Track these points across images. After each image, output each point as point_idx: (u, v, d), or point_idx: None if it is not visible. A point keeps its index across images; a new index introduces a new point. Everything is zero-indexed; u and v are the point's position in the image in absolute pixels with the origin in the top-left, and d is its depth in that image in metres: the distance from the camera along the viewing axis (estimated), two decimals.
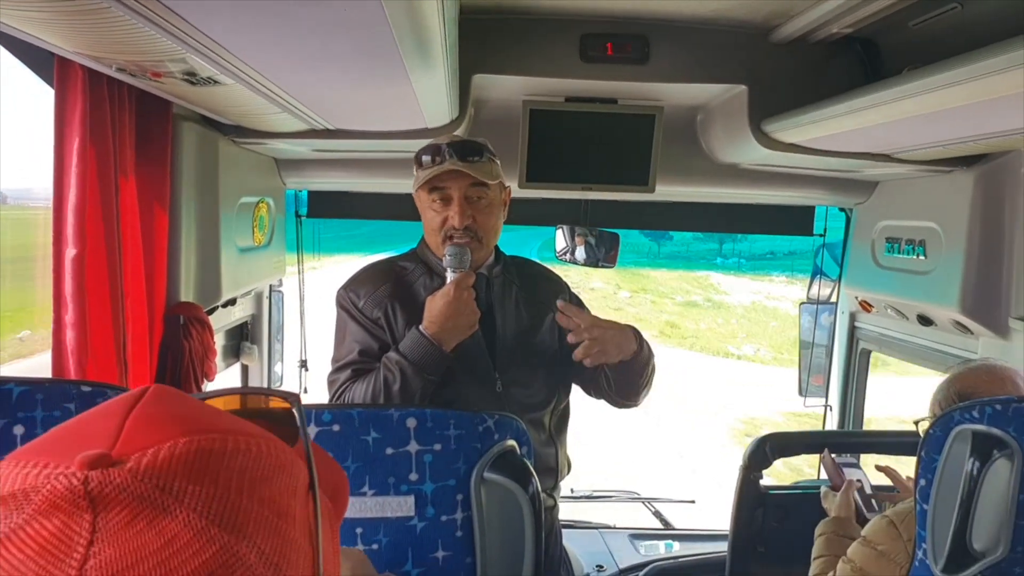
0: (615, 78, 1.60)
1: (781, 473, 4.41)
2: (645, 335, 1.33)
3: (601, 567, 1.90)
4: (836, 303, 2.27)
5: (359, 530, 0.81)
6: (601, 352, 1.23)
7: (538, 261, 1.53)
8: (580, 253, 2.06)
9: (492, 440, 0.81)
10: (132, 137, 1.25)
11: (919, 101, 1.07)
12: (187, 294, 1.50)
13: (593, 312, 1.31)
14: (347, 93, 1.26)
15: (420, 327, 1.22)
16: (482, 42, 1.52)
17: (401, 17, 0.80)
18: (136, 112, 1.26)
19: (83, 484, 0.28)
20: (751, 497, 1.42)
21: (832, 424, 2.31)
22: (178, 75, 1.00)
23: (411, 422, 0.80)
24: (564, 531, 1.54)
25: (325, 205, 2.19)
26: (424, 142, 1.29)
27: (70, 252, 1.11)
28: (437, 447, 0.80)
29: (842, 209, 2.19)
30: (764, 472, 1.44)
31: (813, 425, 2.35)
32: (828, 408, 2.32)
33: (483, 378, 1.29)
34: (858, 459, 1.60)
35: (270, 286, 2.12)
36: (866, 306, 2.13)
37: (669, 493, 2.33)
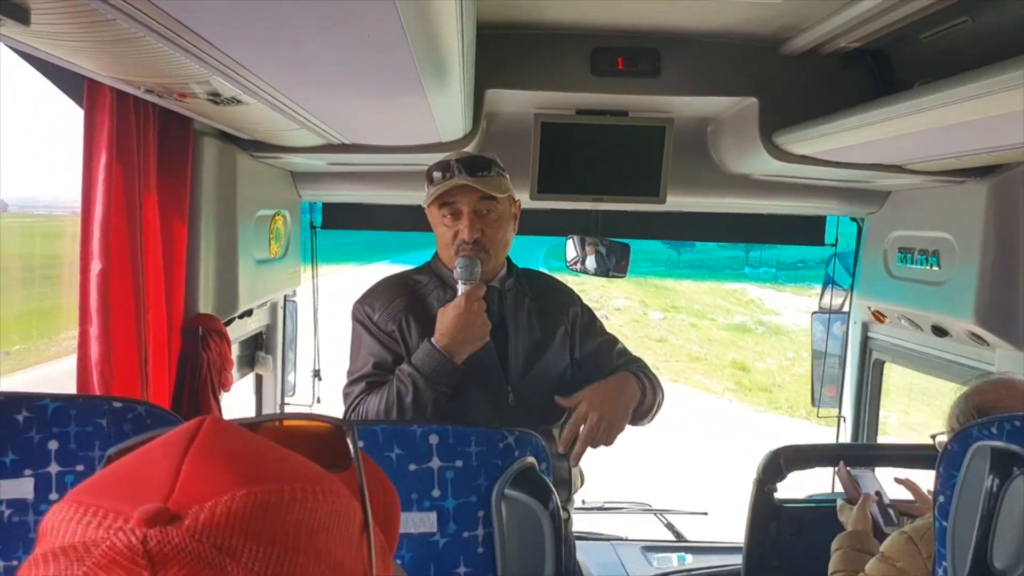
0: (626, 91, 1.61)
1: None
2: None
3: None
4: (848, 313, 2.27)
5: None
6: (609, 428, 1.24)
7: (549, 273, 1.54)
8: (591, 263, 2.07)
9: (512, 457, 0.82)
10: (155, 153, 1.28)
11: (931, 115, 1.07)
12: (205, 306, 1.52)
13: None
14: (364, 110, 1.28)
15: (432, 339, 1.24)
16: (495, 57, 1.53)
17: (421, 38, 0.82)
18: (159, 128, 1.29)
19: (142, 543, 0.29)
20: (765, 510, 1.41)
21: (846, 436, 2.29)
22: (202, 96, 1.03)
23: (433, 439, 0.81)
24: (577, 543, 1.55)
25: (340, 217, 2.22)
26: (438, 156, 1.32)
27: (96, 266, 1.13)
28: (459, 463, 0.81)
29: (854, 219, 2.18)
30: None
31: None
32: (842, 419, 2.31)
33: (495, 390, 1.30)
34: (873, 470, 1.59)
35: (284, 296, 2.14)
36: (879, 316, 2.11)
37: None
